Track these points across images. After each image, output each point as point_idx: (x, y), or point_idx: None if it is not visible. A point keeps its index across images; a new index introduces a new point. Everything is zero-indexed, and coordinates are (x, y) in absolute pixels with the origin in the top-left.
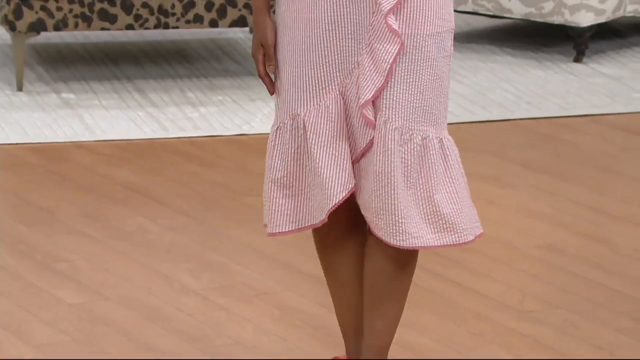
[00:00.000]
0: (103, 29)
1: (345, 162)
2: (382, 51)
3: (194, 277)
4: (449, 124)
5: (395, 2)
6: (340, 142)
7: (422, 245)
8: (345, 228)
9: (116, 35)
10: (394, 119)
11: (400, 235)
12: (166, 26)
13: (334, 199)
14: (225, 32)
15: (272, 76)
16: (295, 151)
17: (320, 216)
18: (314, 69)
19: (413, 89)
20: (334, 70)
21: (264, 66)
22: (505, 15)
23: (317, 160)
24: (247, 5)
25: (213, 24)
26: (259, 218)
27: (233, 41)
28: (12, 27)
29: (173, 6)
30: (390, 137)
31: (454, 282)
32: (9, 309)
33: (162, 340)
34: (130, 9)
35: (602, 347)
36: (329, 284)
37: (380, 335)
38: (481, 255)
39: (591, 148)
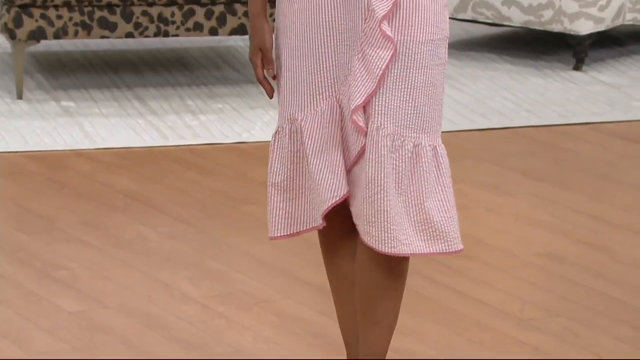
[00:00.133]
0: (103, 37)
1: (337, 168)
2: (374, 57)
3: (194, 285)
4: (448, 131)
5: (389, 8)
6: (334, 149)
7: (412, 252)
8: (344, 232)
9: (116, 43)
10: (386, 126)
11: (391, 242)
12: (166, 34)
13: (324, 205)
14: (225, 40)
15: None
16: (295, 155)
17: (318, 220)
18: (311, 74)
19: (406, 96)
20: (330, 77)
21: (263, 70)
22: (505, 23)
23: (312, 166)
24: (246, 14)
25: (213, 32)
26: (259, 226)
27: (233, 49)
28: (12, 36)
29: (173, 14)
30: (382, 143)
31: (453, 290)
32: (9, 317)
33: (162, 348)
34: (130, 17)
35: (602, 356)
36: (331, 287)
37: (376, 343)
38: (481, 263)
39: (591, 156)
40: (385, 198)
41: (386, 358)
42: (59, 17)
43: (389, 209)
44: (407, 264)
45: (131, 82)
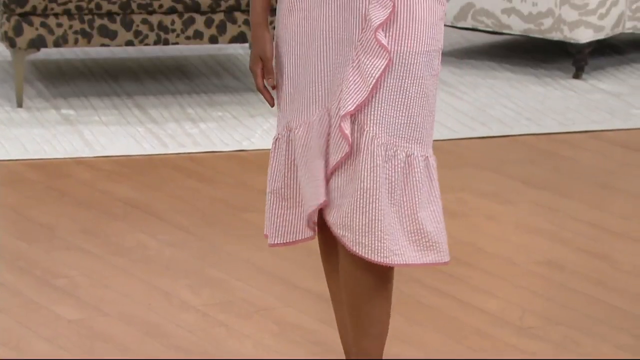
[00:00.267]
0: (103, 45)
1: (316, 178)
2: (369, 65)
3: (194, 293)
4: (448, 139)
5: (385, 18)
6: (317, 159)
7: (405, 262)
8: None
9: (116, 51)
10: (380, 135)
11: (384, 252)
12: (166, 42)
13: (305, 214)
14: (225, 48)
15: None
16: (292, 163)
17: (306, 231)
18: (307, 84)
19: (399, 106)
20: (324, 87)
21: (263, 79)
22: (505, 31)
23: (300, 176)
24: (246, 22)
25: (213, 40)
26: (259, 233)
27: (233, 57)
28: (12, 44)
29: (173, 22)
30: (377, 153)
31: (453, 298)
32: (9, 326)
33: (162, 356)
34: (130, 25)
35: None
36: (331, 295)
37: (367, 352)
38: (481, 271)
39: (591, 164)
40: (379, 208)
41: (382, 359)
42: (59, 25)
43: (382, 218)
44: (393, 271)
45: (131, 90)
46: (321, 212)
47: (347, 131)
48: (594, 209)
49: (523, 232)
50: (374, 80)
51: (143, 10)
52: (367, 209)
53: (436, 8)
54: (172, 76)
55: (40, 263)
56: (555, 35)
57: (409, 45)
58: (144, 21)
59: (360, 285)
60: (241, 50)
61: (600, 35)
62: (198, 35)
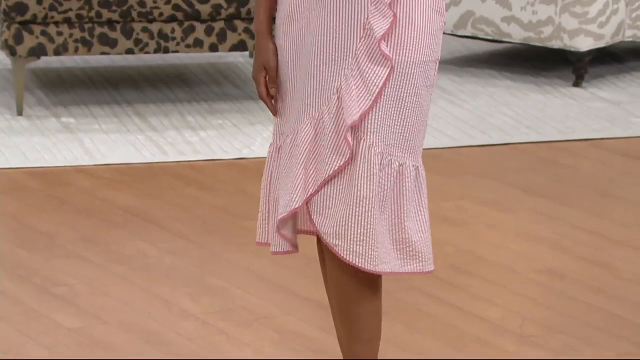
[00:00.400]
0: (103, 53)
1: (293, 187)
2: (371, 74)
3: (194, 301)
4: (448, 147)
5: (387, 27)
6: (299, 168)
7: (390, 270)
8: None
9: (116, 59)
10: (377, 144)
11: (374, 260)
12: (166, 50)
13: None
14: (225, 56)
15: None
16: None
17: (278, 244)
18: (299, 92)
19: (395, 115)
20: (314, 96)
21: (266, 88)
22: (505, 39)
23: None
24: (247, 30)
25: (213, 48)
26: None
27: (233, 65)
28: (12, 52)
29: (173, 30)
30: (373, 162)
31: (453, 306)
32: (8, 334)
33: None
34: (130, 33)
35: None
36: (330, 303)
37: (360, 356)
38: (481, 279)
39: (591, 172)
40: (373, 216)
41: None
42: (59, 33)
43: (375, 227)
44: (381, 277)
45: (131, 98)
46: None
47: (350, 140)
48: (594, 217)
49: (523, 240)
50: (378, 89)
51: (143, 19)
52: (363, 217)
53: (435, 18)
54: (172, 84)
55: (40, 271)
56: (555, 44)
57: (406, 54)
58: (144, 29)
59: (349, 291)
60: (241, 59)
61: (600, 44)
62: (198, 44)
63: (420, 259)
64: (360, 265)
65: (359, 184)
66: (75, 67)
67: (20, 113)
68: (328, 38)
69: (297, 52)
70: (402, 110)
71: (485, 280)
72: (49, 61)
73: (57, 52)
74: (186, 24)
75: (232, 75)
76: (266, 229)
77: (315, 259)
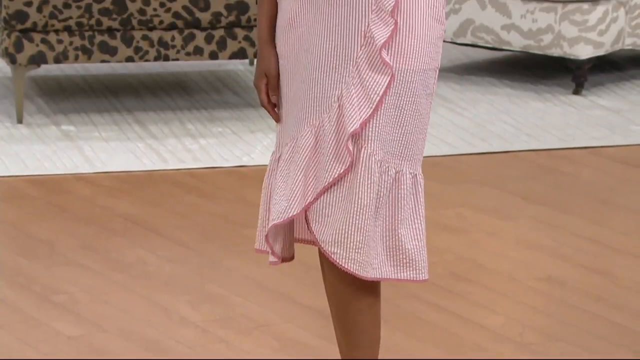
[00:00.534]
0: (103, 61)
1: (292, 194)
2: (372, 83)
3: (194, 309)
4: (448, 155)
5: (388, 35)
6: (296, 175)
7: (381, 277)
8: None
9: (116, 67)
10: (377, 152)
11: (367, 267)
12: (166, 58)
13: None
14: (225, 64)
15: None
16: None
17: (262, 244)
18: (298, 100)
19: (394, 123)
20: (314, 104)
21: (267, 96)
22: (505, 47)
23: (274, 190)
24: (247, 38)
25: (213, 56)
26: None
27: (233, 73)
28: (12, 60)
29: (173, 38)
30: (373, 170)
31: (454, 314)
32: (8, 342)
33: None
34: (131, 41)
35: None
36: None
37: None
38: (481, 287)
39: (591, 180)
40: (371, 224)
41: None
42: (60, 41)
43: (371, 234)
44: (380, 282)
45: (131, 106)
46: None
47: (351, 148)
48: (594, 224)
49: (523, 248)
50: (378, 98)
51: (143, 27)
52: (362, 225)
53: (435, 27)
54: (172, 92)
55: (40, 279)
56: (555, 52)
57: (406, 63)
58: (144, 37)
59: (348, 298)
60: (241, 66)
61: (600, 52)
62: (198, 51)
63: (414, 267)
64: (358, 273)
65: (360, 192)
66: (76, 75)
67: (20, 121)
68: (329, 46)
69: (296, 60)
70: (401, 118)
71: (485, 288)
72: (49, 69)
73: (57, 60)
74: (186, 32)
75: (232, 83)
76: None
77: (315, 266)
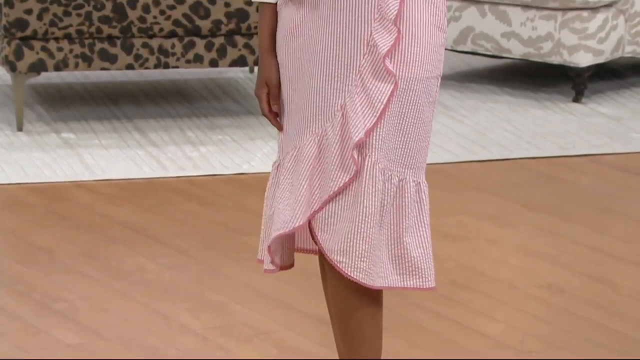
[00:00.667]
0: (103, 68)
1: (296, 203)
2: (375, 91)
3: (193, 317)
4: (448, 163)
5: (391, 44)
6: (301, 185)
7: (387, 285)
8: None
9: (116, 75)
10: (381, 160)
11: (373, 275)
12: (166, 66)
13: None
14: (225, 72)
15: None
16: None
17: (267, 263)
18: (300, 108)
19: (397, 131)
20: (316, 113)
21: (268, 105)
22: (505, 55)
23: (277, 200)
24: (247, 45)
25: (213, 63)
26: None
27: (233, 81)
28: (12, 68)
29: (173, 46)
30: (377, 178)
31: (454, 321)
32: (8, 350)
33: None
34: (131, 49)
35: None
36: (330, 317)
37: None
38: (481, 294)
39: (591, 188)
40: (376, 232)
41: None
42: (60, 49)
43: (377, 243)
44: (382, 293)
45: (131, 113)
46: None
47: (356, 157)
48: (595, 232)
49: (523, 256)
50: (382, 106)
51: (143, 34)
52: (368, 234)
53: (437, 34)
54: (172, 99)
55: (40, 287)
56: (555, 59)
57: (409, 71)
58: (145, 45)
59: (350, 306)
60: (241, 74)
61: (600, 59)
62: (198, 59)
63: (421, 274)
64: (364, 282)
65: (365, 201)
66: (76, 83)
67: (20, 129)
68: (331, 55)
69: (298, 69)
70: (404, 126)
71: (485, 295)
72: (49, 77)
73: (57, 68)
74: (186, 39)
75: (232, 90)
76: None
77: (315, 274)
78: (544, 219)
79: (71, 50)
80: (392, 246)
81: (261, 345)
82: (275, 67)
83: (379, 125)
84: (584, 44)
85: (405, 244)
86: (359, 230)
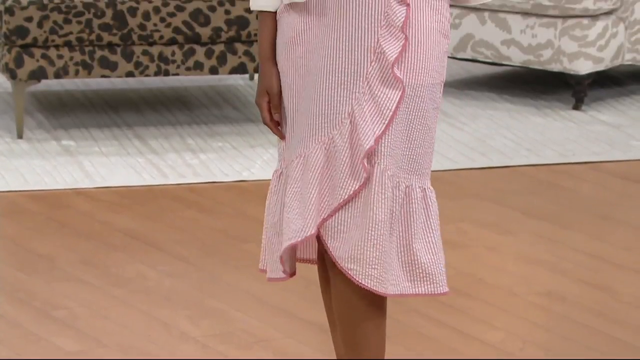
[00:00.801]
0: (103, 76)
1: (306, 212)
2: (384, 98)
3: (193, 324)
4: (448, 170)
5: (399, 51)
6: (309, 192)
7: (400, 293)
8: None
9: (116, 82)
10: (390, 167)
11: (385, 283)
12: (166, 73)
13: (284, 244)
14: (225, 79)
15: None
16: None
17: (277, 271)
18: (305, 116)
19: (404, 138)
20: (323, 121)
21: (269, 113)
22: (504, 62)
23: (286, 208)
24: (247, 53)
25: (213, 71)
26: (258, 263)
27: (233, 88)
28: (13, 75)
29: (173, 53)
30: (387, 185)
31: (454, 329)
32: (8, 357)
33: None
34: (131, 56)
35: None
36: (330, 324)
37: None
38: (481, 302)
39: (591, 195)
40: (387, 240)
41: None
42: (60, 56)
43: (387, 250)
44: (386, 298)
45: (131, 121)
46: (320, 243)
47: (367, 164)
48: (594, 240)
49: (523, 263)
50: (391, 113)
51: (143, 42)
52: (379, 241)
53: (442, 41)
54: (173, 107)
55: (40, 294)
56: (555, 67)
57: (416, 77)
58: (145, 52)
59: (357, 314)
60: (241, 81)
61: (600, 67)
62: (198, 66)
63: (432, 280)
64: (376, 289)
65: (374, 208)
66: (76, 90)
67: (20, 136)
68: (337, 62)
69: (300, 77)
70: (410, 132)
71: (485, 303)
72: (50, 84)
73: (57, 75)
74: (186, 47)
75: (232, 97)
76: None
77: (316, 281)
78: (544, 227)
79: (71, 58)
80: (402, 253)
81: (261, 352)
82: (276, 76)
83: (387, 132)
84: (584, 51)
85: (415, 250)
86: (370, 238)
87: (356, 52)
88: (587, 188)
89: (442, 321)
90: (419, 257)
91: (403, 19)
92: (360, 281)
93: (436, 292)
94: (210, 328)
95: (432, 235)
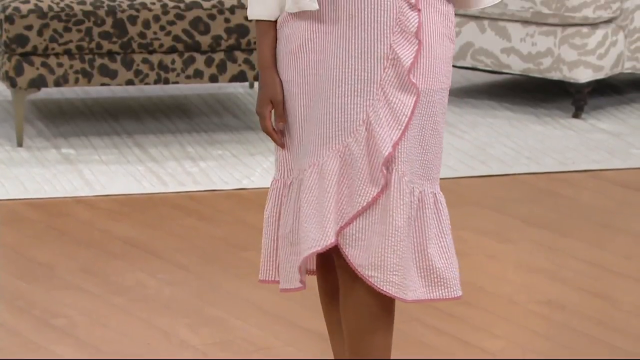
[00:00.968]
0: (103, 84)
1: (325, 220)
2: (399, 103)
3: (193, 332)
4: (448, 178)
5: (414, 57)
6: (326, 200)
7: (417, 298)
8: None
9: (116, 90)
10: (406, 173)
11: (405, 289)
12: (166, 81)
13: (304, 253)
14: (225, 87)
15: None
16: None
17: (294, 281)
18: (317, 126)
19: (417, 143)
20: (337, 129)
21: (271, 122)
22: (504, 70)
23: (303, 217)
24: (247, 61)
25: (213, 79)
26: (258, 272)
27: (233, 96)
28: (12, 84)
29: (173, 62)
30: (405, 191)
31: (454, 337)
32: None
33: None
34: (131, 64)
35: None
36: (330, 335)
37: None
38: (481, 310)
39: (591, 203)
40: (405, 246)
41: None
42: (60, 65)
43: (406, 256)
44: (394, 304)
45: (131, 129)
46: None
47: (385, 171)
48: (594, 248)
49: (523, 271)
50: (407, 119)
51: (143, 50)
52: (399, 247)
53: (449, 46)
54: (172, 115)
55: (39, 303)
56: (555, 75)
57: (427, 82)
58: (145, 60)
59: (370, 321)
60: (241, 89)
61: (600, 75)
62: (198, 75)
63: (446, 284)
64: (398, 295)
65: (394, 214)
66: (76, 99)
67: (20, 144)
68: (349, 70)
69: (308, 86)
70: (423, 137)
71: (485, 311)
72: (49, 92)
73: (57, 84)
74: (186, 55)
75: (232, 106)
76: (272, 266)
77: (316, 290)
78: (544, 235)
79: (71, 66)
80: (418, 259)
81: None
82: (279, 84)
83: (403, 138)
84: (584, 59)
85: (430, 255)
86: (390, 244)
87: (369, 59)
88: (587, 196)
89: (443, 329)
90: (434, 262)
91: (417, 24)
92: (382, 288)
93: (450, 297)
94: (210, 336)
95: (444, 239)
